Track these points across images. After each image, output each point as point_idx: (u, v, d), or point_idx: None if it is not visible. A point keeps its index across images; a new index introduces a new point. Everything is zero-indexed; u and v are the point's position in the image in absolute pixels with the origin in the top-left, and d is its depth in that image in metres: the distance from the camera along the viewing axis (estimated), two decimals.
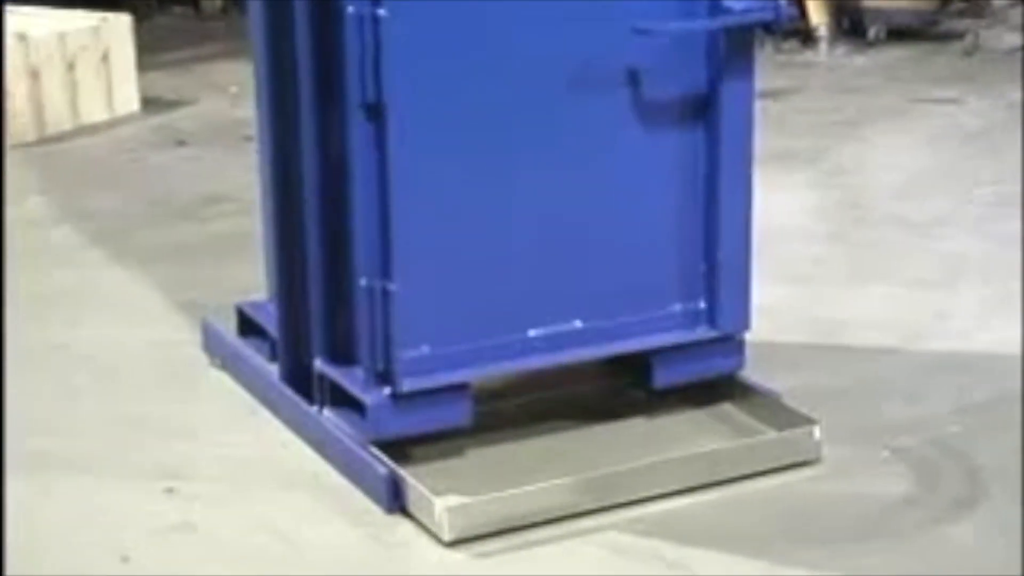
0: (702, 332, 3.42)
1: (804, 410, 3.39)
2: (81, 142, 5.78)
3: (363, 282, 3.20)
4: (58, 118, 5.85)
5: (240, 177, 5.02)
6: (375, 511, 3.18)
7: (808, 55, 6.94)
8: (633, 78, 3.26)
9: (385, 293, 3.18)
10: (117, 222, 4.91)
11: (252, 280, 3.87)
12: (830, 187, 5.23)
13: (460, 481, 3.19)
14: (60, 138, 5.79)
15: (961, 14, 7.19)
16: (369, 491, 3.21)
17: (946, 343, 3.94)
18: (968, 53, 6.88)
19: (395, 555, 3.06)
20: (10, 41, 5.69)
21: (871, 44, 7.00)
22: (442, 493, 3.10)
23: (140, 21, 6.34)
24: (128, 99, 6.11)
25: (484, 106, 3.17)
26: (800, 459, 3.33)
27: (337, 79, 3.18)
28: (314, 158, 3.28)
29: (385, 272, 3.18)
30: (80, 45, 5.94)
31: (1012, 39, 7.01)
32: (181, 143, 5.78)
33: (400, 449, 3.26)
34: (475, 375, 3.28)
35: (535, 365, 3.35)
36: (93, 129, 5.91)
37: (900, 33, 7.04)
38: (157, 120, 6.07)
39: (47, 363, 3.85)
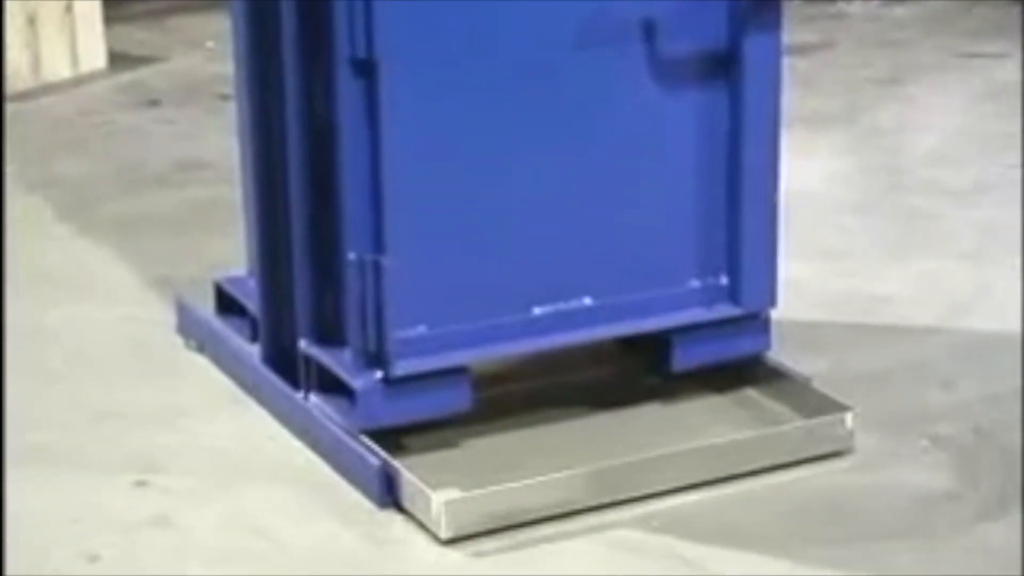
0: (723, 310, 3.42)
1: (835, 396, 3.40)
2: (44, 102, 5.78)
3: (352, 255, 3.20)
4: (18, 76, 5.84)
5: (217, 140, 5.03)
6: (366, 506, 3.18)
7: (840, 6, 6.93)
8: (648, 32, 3.25)
9: (376, 268, 3.18)
10: (85, 190, 4.92)
11: (231, 253, 3.88)
12: (863, 151, 5.22)
13: (458, 474, 3.20)
14: (21, 98, 5.79)
15: None
16: (359, 484, 3.22)
17: (988, 321, 3.95)
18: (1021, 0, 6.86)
19: (388, 554, 3.07)
20: None
21: None
22: (439, 486, 3.11)
23: None
24: (94, 55, 6.11)
25: (485, 61, 3.17)
26: (830, 449, 3.34)
27: (324, 32, 3.17)
28: (298, 119, 3.28)
29: (377, 245, 3.18)
30: None
31: None
32: (153, 103, 5.78)
33: (393, 438, 3.27)
34: (475, 357, 3.29)
35: (540, 347, 3.36)
36: (56, 88, 5.90)
37: None
38: (126, 78, 6.06)
39: (9, 345, 3.85)
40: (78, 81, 5.99)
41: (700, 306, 3.42)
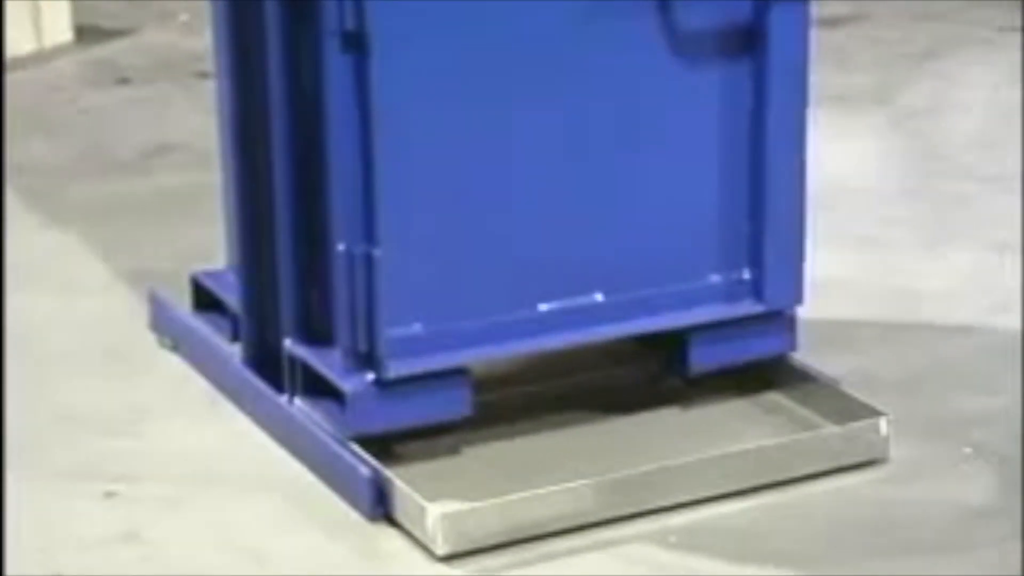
0: (746, 307, 3.43)
1: (868, 400, 3.40)
2: (5, 79, 5.78)
3: (341, 247, 3.20)
4: None
5: (194, 121, 5.03)
6: (356, 519, 3.19)
7: None
8: (664, 3, 3.25)
9: (368, 260, 3.19)
10: (50, 175, 4.92)
11: (209, 244, 3.88)
12: (899, 133, 5.23)
13: (457, 484, 3.20)
14: None
15: None
16: (349, 495, 3.22)
17: None
18: None
19: (379, 570, 3.08)
20: None
21: None
22: (435, 498, 3.11)
23: None
24: (59, 28, 6.10)
25: (486, 35, 3.17)
26: (864, 458, 3.34)
27: (310, 2, 3.17)
28: (282, 97, 3.28)
29: (368, 235, 3.18)
30: None
31: None
32: (123, 81, 5.78)
33: (386, 446, 3.27)
34: (475, 358, 3.29)
35: (547, 346, 3.36)
36: (18, 63, 5.90)
37: None
38: (94, 53, 6.06)
39: None
40: (42, 57, 5.99)
41: (720, 303, 3.42)
